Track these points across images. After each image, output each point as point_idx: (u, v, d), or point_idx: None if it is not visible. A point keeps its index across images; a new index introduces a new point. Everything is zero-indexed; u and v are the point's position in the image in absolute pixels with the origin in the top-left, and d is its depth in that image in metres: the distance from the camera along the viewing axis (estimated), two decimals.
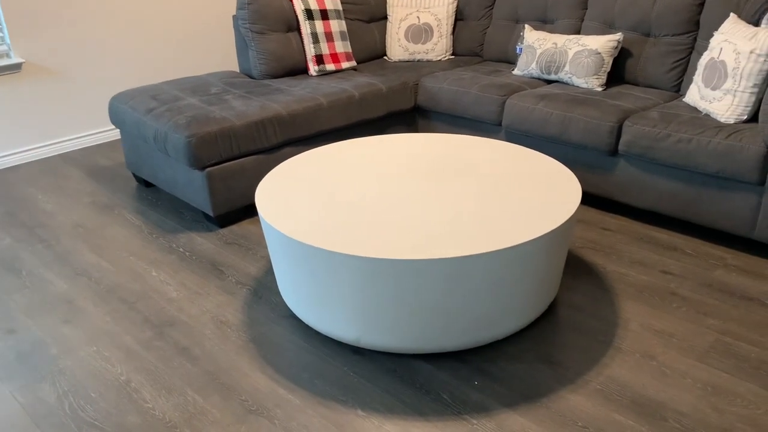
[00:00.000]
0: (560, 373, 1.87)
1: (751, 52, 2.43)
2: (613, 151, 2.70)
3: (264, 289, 2.35)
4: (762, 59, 2.41)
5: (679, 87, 3.00)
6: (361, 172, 2.26)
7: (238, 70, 3.98)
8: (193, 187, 2.78)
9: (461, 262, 1.73)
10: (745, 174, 2.33)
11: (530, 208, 1.95)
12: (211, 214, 2.77)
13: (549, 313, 2.15)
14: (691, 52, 2.95)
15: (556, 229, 1.85)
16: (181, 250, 2.66)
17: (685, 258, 2.47)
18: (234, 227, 2.84)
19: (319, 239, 1.82)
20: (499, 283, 1.82)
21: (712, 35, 2.83)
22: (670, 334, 2.03)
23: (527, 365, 1.91)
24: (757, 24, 2.64)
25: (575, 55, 3.07)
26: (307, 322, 2.06)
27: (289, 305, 2.14)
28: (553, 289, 2.08)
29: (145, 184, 3.30)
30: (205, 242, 2.71)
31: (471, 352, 1.97)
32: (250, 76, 3.47)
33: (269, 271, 2.47)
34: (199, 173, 2.71)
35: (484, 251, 1.73)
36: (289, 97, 3.00)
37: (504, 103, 3.04)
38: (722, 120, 2.51)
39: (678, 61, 2.96)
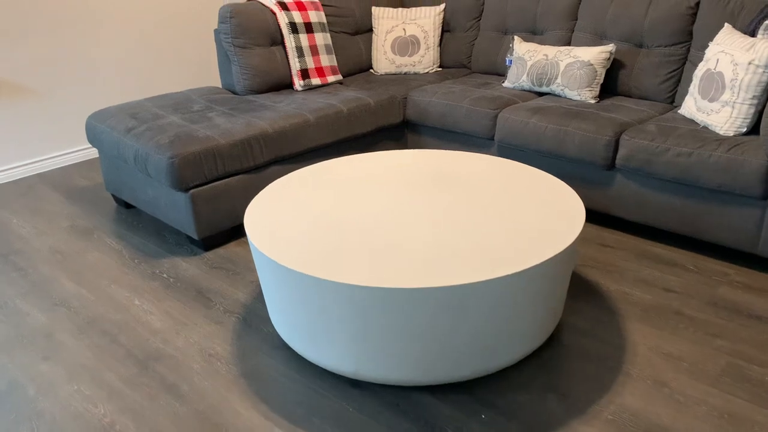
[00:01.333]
0: (570, 404, 1.78)
1: (750, 64, 2.38)
2: (610, 166, 2.64)
3: (254, 318, 2.23)
4: (761, 70, 2.36)
5: (673, 98, 2.95)
6: (353, 191, 2.16)
7: (220, 86, 3.87)
8: (176, 209, 2.66)
9: (463, 290, 1.64)
10: (747, 188, 2.28)
11: (533, 230, 1.87)
12: (195, 237, 2.65)
13: (554, 338, 2.07)
14: (684, 63, 2.90)
15: (562, 252, 1.77)
16: (164, 276, 2.54)
17: (687, 274, 2.40)
18: (220, 250, 2.73)
19: (312, 267, 1.72)
20: (504, 309, 1.73)
21: (707, 46, 2.79)
22: (679, 357, 1.96)
23: (535, 395, 1.82)
24: (753, 34, 2.60)
25: (567, 66, 3.01)
26: (301, 354, 1.95)
27: (281, 335, 2.03)
28: (558, 313, 2.00)
29: (125, 205, 3.17)
30: (189, 267, 2.60)
31: (476, 383, 1.87)
32: (233, 92, 3.36)
33: (259, 297, 2.36)
34: (182, 195, 2.59)
35: (488, 278, 1.64)
36: (275, 114, 2.90)
37: (496, 116, 2.97)
38: (721, 132, 2.46)
39: (672, 72, 2.91)
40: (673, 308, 2.20)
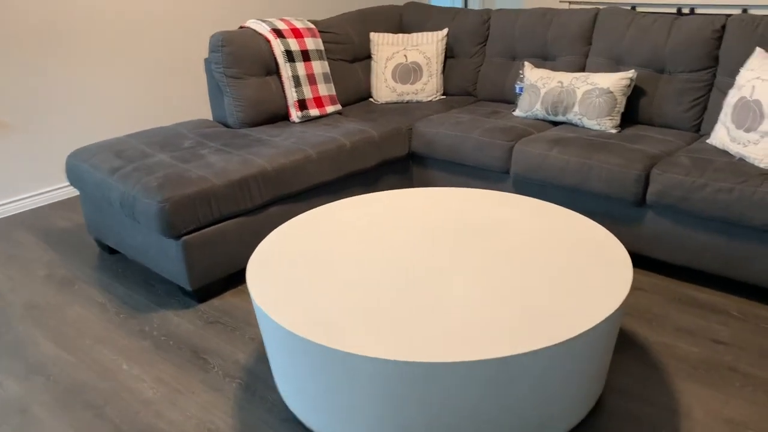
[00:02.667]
0: None
1: None
2: (641, 202, 2.43)
3: (257, 383, 1.98)
4: None
5: (699, 127, 2.76)
6: (366, 240, 1.93)
7: (211, 118, 3.64)
8: (166, 257, 2.41)
9: (504, 363, 1.40)
10: None
11: (575, 287, 1.64)
12: (188, 288, 2.40)
13: (599, 403, 1.84)
14: (710, 90, 2.73)
15: (614, 312, 1.54)
16: (155, 333, 2.28)
17: (733, 322, 2.19)
18: (215, 301, 2.47)
19: (331, 336, 1.48)
20: (549, 380, 1.50)
21: (737, 71, 2.61)
22: (742, 423, 1.73)
23: None
24: None
25: (585, 94, 2.82)
26: (312, 428, 1.71)
27: (289, 406, 1.79)
28: (605, 374, 1.77)
29: (110, 250, 2.91)
30: (182, 322, 2.34)
31: None
32: (226, 125, 3.13)
33: (261, 357, 2.11)
34: (174, 242, 2.34)
35: (532, 349, 1.41)
36: (273, 150, 2.67)
37: (511, 149, 2.76)
38: (762, 165, 2.27)
39: (697, 99, 2.73)
40: (725, 363, 1.99)
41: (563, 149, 2.59)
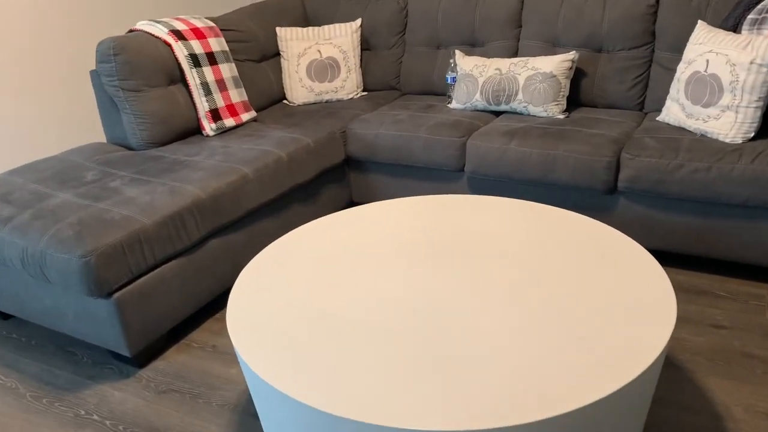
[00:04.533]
0: None
1: (752, 63, 2.17)
2: (612, 189, 2.33)
3: None
4: (765, 69, 2.16)
5: (642, 105, 2.72)
6: (353, 275, 1.64)
7: (105, 141, 3.11)
8: (92, 320, 1.96)
9: (530, 429, 1.17)
10: None
11: (611, 323, 1.45)
12: (126, 354, 1.96)
13: None
14: (650, 66, 2.68)
15: (656, 361, 1.33)
16: (95, 417, 1.84)
17: (724, 303, 2.15)
18: (159, 364, 2.06)
19: (355, 407, 1.18)
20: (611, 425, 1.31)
21: (678, 46, 2.58)
22: None
23: None
24: (734, 31, 2.41)
25: (527, 80, 2.67)
26: None
27: None
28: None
29: (2, 316, 2.37)
30: (127, 397, 1.91)
31: None
32: (128, 147, 2.66)
33: (241, 426, 1.75)
34: (103, 302, 1.90)
35: (563, 411, 1.15)
36: (201, 173, 2.27)
37: (464, 145, 2.56)
38: (728, 140, 2.24)
39: (638, 76, 2.68)
40: (736, 349, 1.92)
41: (522, 141, 2.42)
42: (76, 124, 3.05)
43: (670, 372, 1.84)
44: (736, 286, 2.23)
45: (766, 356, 1.88)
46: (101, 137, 3.12)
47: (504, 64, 2.76)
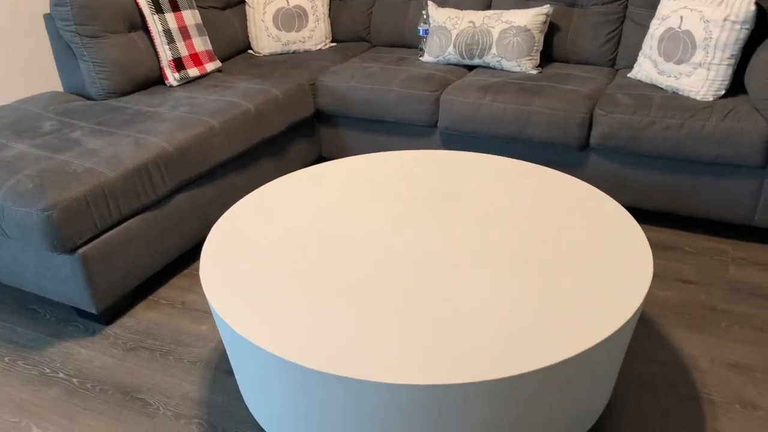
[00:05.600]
0: None
1: (725, 20, 2.17)
2: (584, 146, 2.33)
3: (223, 419, 1.61)
4: (738, 26, 2.16)
5: (614, 61, 2.71)
6: (340, 225, 1.61)
7: (62, 90, 2.96)
8: (56, 277, 1.89)
9: (516, 381, 1.17)
10: (747, 157, 2.09)
11: (590, 278, 1.46)
12: (93, 310, 1.91)
13: None
14: (623, 22, 2.67)
15: (633, 316, 1.35)
16: (62, 375, 1.78)
17: (690, 259, 2.19)
18: (126, 321, 2.01)
19: (335, 361, 1.17)
20: (569, 390, 1.31)
21: (656, 2, 2.56)
22: (748, 366, 1.72)
23: None
24: None
25: (501, 34, 2.63)
26: None
27: None
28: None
29: None
30: (94, 355, 1.86)
31: None
32: (87, 97, 2.53)
33: (215, 384, 1.73)
34: (66, 258, 1.83)
35: (547, 364, 1.16)
36: (167, 124, 2.18)
37: (437, 100, 2.51)
38: (699, 98, 2.25)
39: (611, 32, 2.66)
40: (702, 303, 1.97)
41: (497, 96, 2.40)
42: (29, 71, 2.88)
43: (640, 325, 1.88)
44: (702, 242, 2.28)
45: (729, 310, 1.94)
46: (57, 86, 2.97)
47: (477, 16, 2.71)
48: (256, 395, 1.42)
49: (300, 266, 1.46)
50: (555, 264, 1.43)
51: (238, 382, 1.53)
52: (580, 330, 1.23)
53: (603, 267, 1.42)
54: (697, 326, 1.87)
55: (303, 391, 1.24)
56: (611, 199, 1.70)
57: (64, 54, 2.51)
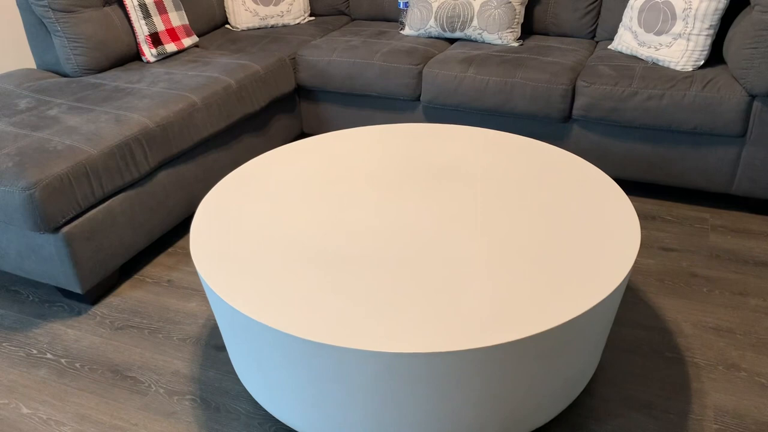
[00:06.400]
0: (664, 420, 1.50)
1: None
2: (567, 117, 2.35)
3: (216, 394, 1.62)
4: None
5: (594, 33, 2.72)
6: (329, 197, 1.60)
7: (35, 67, 2.89)
8: (39, 257, 1.86)
9: (508, 349, 1.20)
10: (726, 127, 2.13)
11: (579, 246, 1.48)
12: (78, 290, 1.88)
13: None
14: None
15: (622, 282, 1.37)
16: (50, 356, 1.76)
17: (671, 227, 2.23)
18: (112, 300, 1.99)
19: (327, 331, 1.18)
20: (560, 357, 1.34)
21: None
22: (729, 329, 1.76)
23: (623, 419, 1.50)
24: None
25: (482, 6, 2.62)
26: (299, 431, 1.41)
27: (273, 413, 1.46)
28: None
29: None
30: (82, 335, 1.84)
31: (552, 424, 1.51)
32: (62, 74, 2.48)
33: (206, 360, 1.73)
34: (50, 237, 1.80)
35: (538, 331, 1.18)
36: (147, 100, 2.14)
37: (420, 73, 2.51)
38: (678, 68, 2.28)
39: (591, 4, 2.67)
40: (683, 270, 2.01)
41: (480, 69, 2.39)
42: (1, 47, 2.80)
43: (625, 293, 1.92)
44: (683, 211, 2.33)
45: (710, 275, 1.98)
46: (30, 63, 2.89)
47: None
48: (249, 369, 1.42)
49: (290, 239, 1.46)
50: (543, 233, 1.45)
51: (231, 357, 1.53)
52: (570, 298, 1.25)
53: (591, 236, 1.44)
54: (679, 292, 1.92)
55: (297, 362, 1.25)
56: (598, 169, 1.72)
57: (37, 30, 2.44)
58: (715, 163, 2.21)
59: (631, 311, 1.84)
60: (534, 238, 1.43)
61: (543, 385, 1.31)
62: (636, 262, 2.06)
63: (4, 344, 1.82)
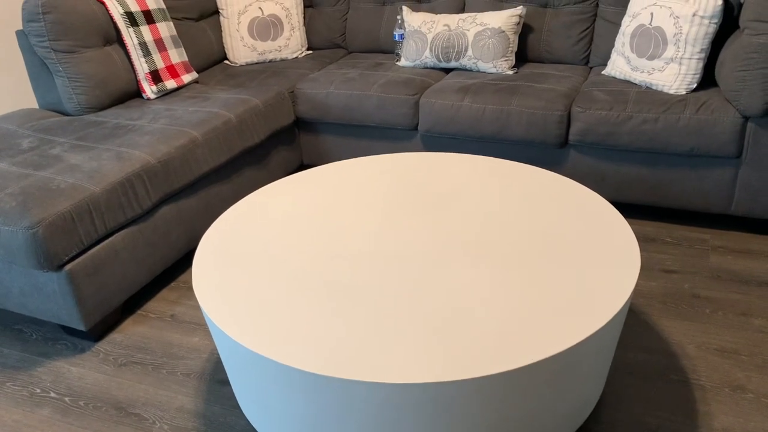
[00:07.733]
0: None
1: (694, 15, 2.23)
2: (563, 143, 2.37)
3: (221, 429, 1.61)
4: (707, 21, 2.22)
5: (587, 59, 2.76)
6: (323, 232, 1.61)
7: (37, 107, 2.92)
8: (42, 295, 1.86)
9: (511, 377, 1.19)
10: (721, 148, 2.15)
11: (579, 271, 1.50)
12: (81, 327, 1.88)
13: None
14: (594, 20, 2.72)
15: (624, 305, 1.38)
16: (53, 395, 1.76)
17: (671, 249, 2.24)
18: (116, 337, 1.99)
19: (328, 363, 1.18)
20: (563, 383, 1.34)
21: (629, 0, 2.62)
22: (734, 351, 1.76)
23: None
24: None
25: (476, 36, 2.67)
26: None
27: None
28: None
29: None
30: (85, 373, 1.84)
31: None
32: (64, 113, 2.51)
33: (210, 396, 1.72)
34: (53, 275, 1.81)
35: (541, 358, 1.18)
36: (148, 137, 2.17)
37: (417, 103, 2.54)
38: (672, 92, 2.31)
39: (584, 31, 2.72)
40: (686, 292, 2.01)
41: (476, 98, 2.43)
42: (1, 89, 2.84)
43: (628, 316, 1.92)
44: (682, 232, 2.33)
45: (712, 296, 1.98)
46: (32, 103, 2.93)
47: (452, 20, 2.74)
48: (254, 402, 1.42)
49: (292, 271, 1.47)
50: (544, 259, 1.46)
51: (235, 391, 1.53)
52: (573, 323, 1.26)
53: (591, 260, 1.45)
54: (682, 314, 1.92)
55: (301, 395, 1.25)
56: (595, 193, 1.73)
57: (39, 70, 2.48)
58: (712, 184, 2.23)
59: (635, 334, 1.84)
60: (534, 265, 1.44)
61: (548, 411, 1.31)
62: (637, 285, 2.06)
63: (7, 384, 1.82)
